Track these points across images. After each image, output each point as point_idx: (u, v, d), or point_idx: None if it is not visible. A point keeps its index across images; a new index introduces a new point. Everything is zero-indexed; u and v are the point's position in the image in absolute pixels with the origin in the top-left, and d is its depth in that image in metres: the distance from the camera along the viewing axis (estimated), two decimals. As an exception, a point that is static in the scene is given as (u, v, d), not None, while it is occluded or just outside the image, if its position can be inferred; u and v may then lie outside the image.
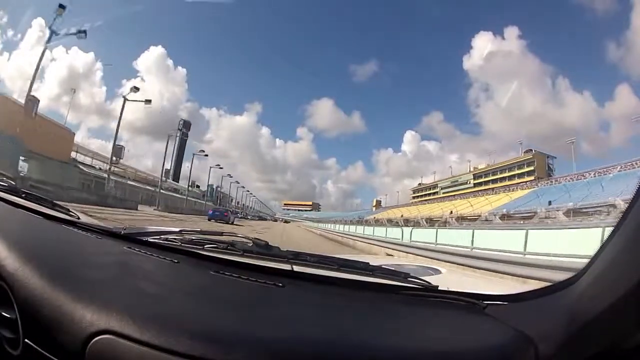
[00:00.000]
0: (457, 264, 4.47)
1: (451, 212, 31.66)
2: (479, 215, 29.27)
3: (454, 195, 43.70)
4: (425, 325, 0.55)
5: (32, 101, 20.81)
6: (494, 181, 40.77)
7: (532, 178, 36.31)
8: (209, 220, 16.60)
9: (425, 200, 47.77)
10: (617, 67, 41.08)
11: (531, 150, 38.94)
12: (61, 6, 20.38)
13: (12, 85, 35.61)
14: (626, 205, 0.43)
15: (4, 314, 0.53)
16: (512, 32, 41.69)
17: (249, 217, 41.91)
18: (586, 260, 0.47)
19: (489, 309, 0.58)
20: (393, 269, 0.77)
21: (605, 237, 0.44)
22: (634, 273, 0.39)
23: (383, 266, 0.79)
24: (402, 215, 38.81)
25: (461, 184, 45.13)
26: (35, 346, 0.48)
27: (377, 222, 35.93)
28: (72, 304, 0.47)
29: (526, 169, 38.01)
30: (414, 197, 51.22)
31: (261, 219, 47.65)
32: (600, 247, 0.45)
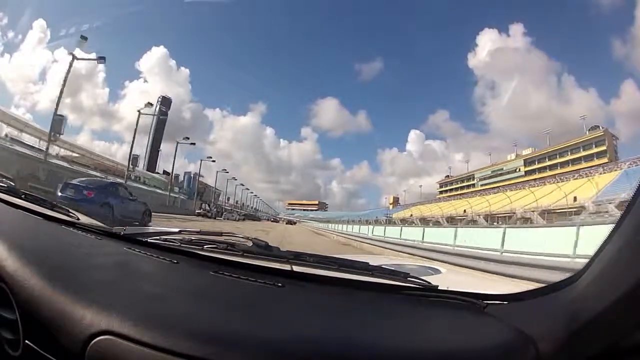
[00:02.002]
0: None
1: (571, 199, 23.81)
2: (582, 207, 22.47)
3: (499, 186, 36.90)
4: (425, 324, 0.55)
5: None
6: (552, 167, 34.19)
7: (605, 160, 29.86)
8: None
9: (460, 194, 40.63)
10: (623, 64, 38.27)
11: (598, 126, 31.94)
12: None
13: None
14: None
15: (4, 315, 0.53)
16: (517, 29, 39.54)
17: (222, 215, 27.39)
18: (586, 260, 0.47)
19: (489, 308, 0.58)
20: (393, 268, 0.77)
21: (605, 236, 0.44)
22: (634, 273, 0.39)
23: (383, 266, 0.79)
24: (465, 211, 31.30)
25: (507, 173, 38.19)
26: (35, 347, 0.48)
27: (405, 222, 31.48)
28: (72, 304, 0.48)
29: (595, 150, 31.20)
30: (441, 192, 44.15)
31: (251, 218, 35.30)
32: (600, 247, 0.45)
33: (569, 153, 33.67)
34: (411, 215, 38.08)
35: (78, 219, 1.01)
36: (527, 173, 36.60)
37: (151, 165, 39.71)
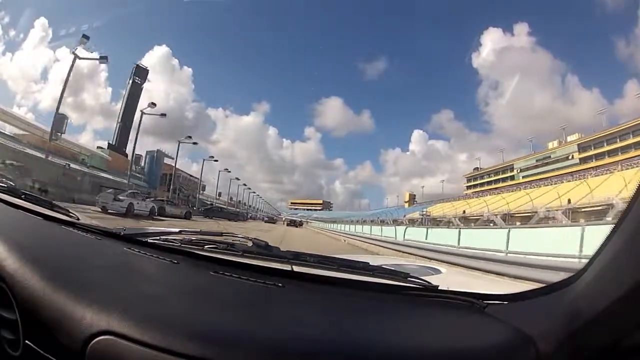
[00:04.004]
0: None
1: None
2: None
3: (547, 177, 31.02)
4: (425, 324, 0.55)
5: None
6: (611, 153, 28.36)
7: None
8: None
9: (495, 188, 34.62)
10: (627, 64, 34.26)
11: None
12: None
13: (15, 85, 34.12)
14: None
15: (4, 315, 0.53)
16: (521, 28, 36.69)
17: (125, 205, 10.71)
18: (586, 260, 0.47)
19: (489, 308, 0.58)
20: (393, 269, 0.77)
21: (605, 236, 0.44)
22: (634, 272, 0.39)
23: (383, 266, 0.79)
24: (566, 201, 23.44)
25: (557, 162, 32.47)
26: (35, 347, 0.48)
27: (437, 222, 27.48)
28: (72, 304, 0.48)
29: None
30: (468, 187, 38.48)
31: (224, 216, 22.33)
32: (600, 247, 0.45)
33: (631, 135, 28.31)
34: (464, 212, 30.23)
35: (78, 219, 1.02)
36: (582, 161, 31.55)
37: (120, 145, 32.18)
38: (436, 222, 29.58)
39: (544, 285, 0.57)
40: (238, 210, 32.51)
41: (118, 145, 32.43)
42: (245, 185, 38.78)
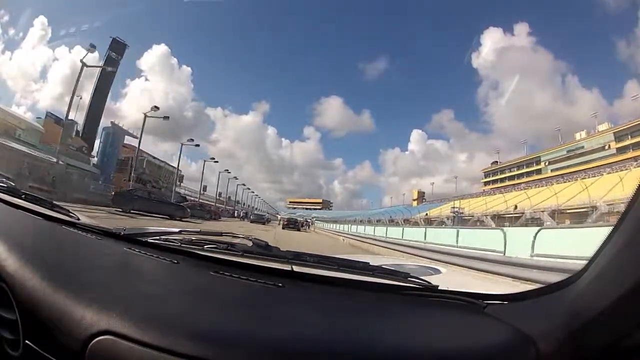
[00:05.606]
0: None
1: None
2: None
3: (580, 170, 28.01)
4: (425, 325, 0.56)
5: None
6: None
7: None
8: None
9: (518, 183, 31.45)
10: (627, 64, 34.05)
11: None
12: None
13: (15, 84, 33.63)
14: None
15: (4, 315, 0.53)
16: (521, 28, 37.52)
17: None
18: (586, 260, 0.48)
19: (489, 308, 0.58)
20: (393, 268, 0.77)
21: (605, 237, 0.44)
22: (634, 272, 0.39)
23: (383, 266, 0.79)
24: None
25: (593, 152, 29.01)
26: (35, 347, 0.48)
27: (471, 223, 24.38)
28: (73, 304, 0.48)
29: None
30: (486, 183, 35.51)
31: (152, 212, 10.93)
32: (600, 247, 0.45)
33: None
34: (515, 207, 26.13)
35: (78, 219, 1.01)
36: (619, 151, 28.31)
37: (89, 137, 27.29)
38: (463, 221, 26.68)
39: (544, 285, 0.57)
40: (204, 202, 24.30)
41: (87, 129, 27.00)
42: (227, 171, 34.07)
